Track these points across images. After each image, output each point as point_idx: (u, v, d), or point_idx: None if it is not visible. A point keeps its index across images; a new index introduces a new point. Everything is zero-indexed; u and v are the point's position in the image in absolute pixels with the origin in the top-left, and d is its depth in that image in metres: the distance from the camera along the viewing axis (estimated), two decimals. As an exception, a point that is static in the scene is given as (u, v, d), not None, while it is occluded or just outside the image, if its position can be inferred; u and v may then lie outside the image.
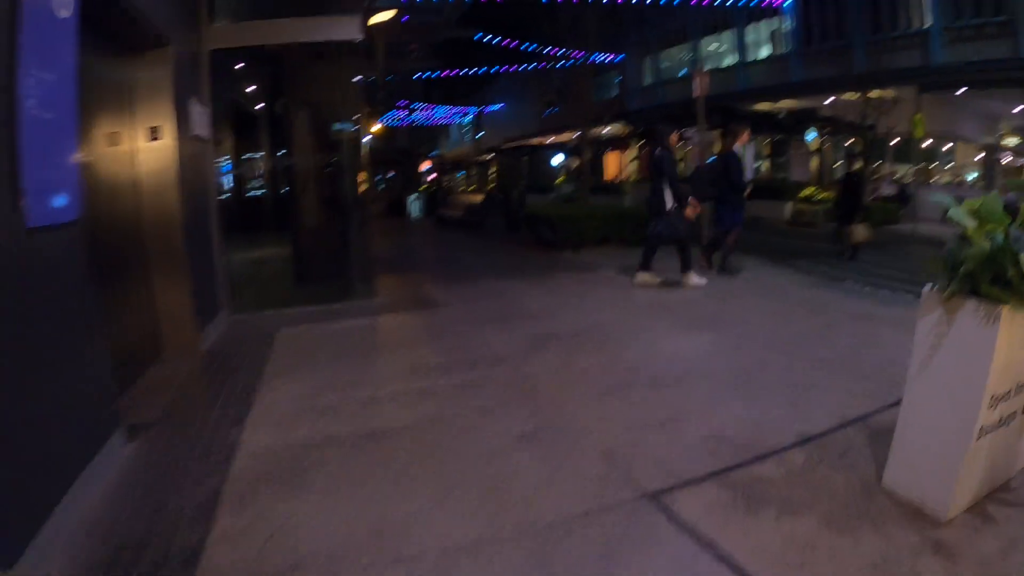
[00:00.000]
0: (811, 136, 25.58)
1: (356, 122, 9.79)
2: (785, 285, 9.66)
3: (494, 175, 43.26)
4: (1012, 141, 31.75)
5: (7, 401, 2.98)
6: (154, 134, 5.99)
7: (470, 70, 43.04)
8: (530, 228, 15.32)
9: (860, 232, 13.24)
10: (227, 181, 14.42)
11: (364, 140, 38.90)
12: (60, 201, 3.61)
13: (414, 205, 29.29)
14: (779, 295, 8.89)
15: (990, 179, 30.49)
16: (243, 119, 13.79)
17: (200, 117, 7.04)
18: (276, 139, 12.05)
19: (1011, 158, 31.90)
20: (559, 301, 8.62)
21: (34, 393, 3.25)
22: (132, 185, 5.94)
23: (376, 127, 42.55)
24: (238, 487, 3.69)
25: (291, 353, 6.54)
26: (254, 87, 12.85)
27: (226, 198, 13.38)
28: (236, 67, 11.47)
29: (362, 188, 9.85)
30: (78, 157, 3.86)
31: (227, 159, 14.08)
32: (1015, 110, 26.66)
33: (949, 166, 28.80)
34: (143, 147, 6.03)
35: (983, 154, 31.14)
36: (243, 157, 14.86)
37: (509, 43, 35.20)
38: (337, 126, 10.16)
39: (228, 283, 8.19)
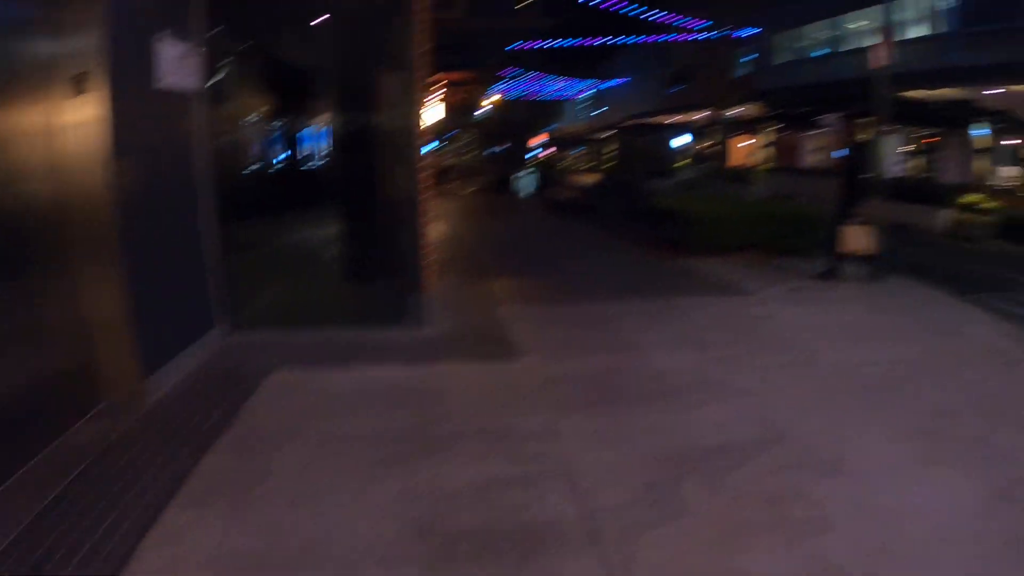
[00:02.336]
0: (980, 132, 21.84)
1: (412, 81, 7.31)
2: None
3: (613, 154, 40.64)
4: None
5: None
6: (79, 85, 3.86)
7: (592, 40, 40.29)
8: (653, 223, 12.54)
9: (855, 237, 9.42)
10: (269, 150, 11.76)
11: (483, 111, 36.99)
12: None
13: (523, 182, 27.07)
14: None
15: None
16: (286, 74, 11.23)
17: (177, 63, 4.94)
18: (319, 100, 9.69)
19: None
20: (708, 357, 5.94)
21: None
22: (42, 158, 3.85)
23: (494, 98, 40.79)
24: None
25: (256, 434, 4.23)
26: (295, 34, 10.30)
27: (263, 170, 10.90)
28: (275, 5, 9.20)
29: (426, 166, 7.36)
30: None
31: (274, 124, 11.51)
32: None
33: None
34: (64, 103, 3.91)
35: None
36: (283, 122, 12.08)
37: (633, 10, 32.16)
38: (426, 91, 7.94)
39: (228, 287, 6.13)
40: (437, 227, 13.59)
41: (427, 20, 6.97)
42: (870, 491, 3.70)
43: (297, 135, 12.25)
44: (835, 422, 4.67)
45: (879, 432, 4.53)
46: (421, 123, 7.03)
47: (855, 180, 9.79)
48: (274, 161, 11.70)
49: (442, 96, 21.93)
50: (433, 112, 19.57)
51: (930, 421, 4.75)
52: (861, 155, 9.61)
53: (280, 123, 11.59)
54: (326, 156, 10.27)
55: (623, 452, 4.01)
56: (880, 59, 10.38)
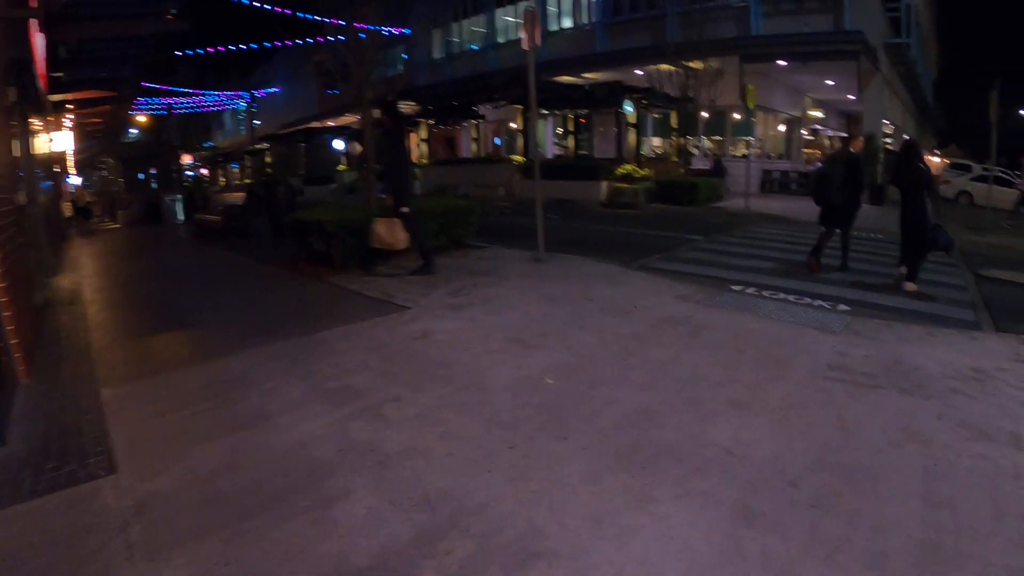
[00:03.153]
0: (630, 108, 22.88)
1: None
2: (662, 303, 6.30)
3: (267, 167, 38.40)
4: (815, 114, 31.80)
5: None
6: None
7: (241, 46, 37.78)
8: (298, 240, 10.74)
9: (386, 231, 8.59)
10: None
11: (129, 133, 33.07)
12: None
13: (175, 208, 23.95)
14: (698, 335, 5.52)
15: (789, 151, 30.25)
16: None
17: None
18: None
19: (818, 130, 32.07)
20: (356, 410, 4.48)
21: None
22: None
23: (140, 117, 37.02)
24: None
25: None
26: None
27: None
28: None
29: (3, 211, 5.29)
30: None
31: None
32: (828, 82, 26.48)
33: (750, 139, 27.56)
34: None
35: (785, 127, 30.69)
36: None
37: (282, 11, 30.27)
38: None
39: None
40: (57, 283, 10.92)
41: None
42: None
43: None
44: (520, 473, 3.51)
45: (576, 471, 3.49)
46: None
47: (395, 175, 8.79)
48: None
49: (70, 120, 18.42)
50: (59, 139, 16.32)
51: (632, 435, 3.88)
52: (400, 151, 8.84)
53: None
54: None
55: None
56: (529, 41, 9.83)
